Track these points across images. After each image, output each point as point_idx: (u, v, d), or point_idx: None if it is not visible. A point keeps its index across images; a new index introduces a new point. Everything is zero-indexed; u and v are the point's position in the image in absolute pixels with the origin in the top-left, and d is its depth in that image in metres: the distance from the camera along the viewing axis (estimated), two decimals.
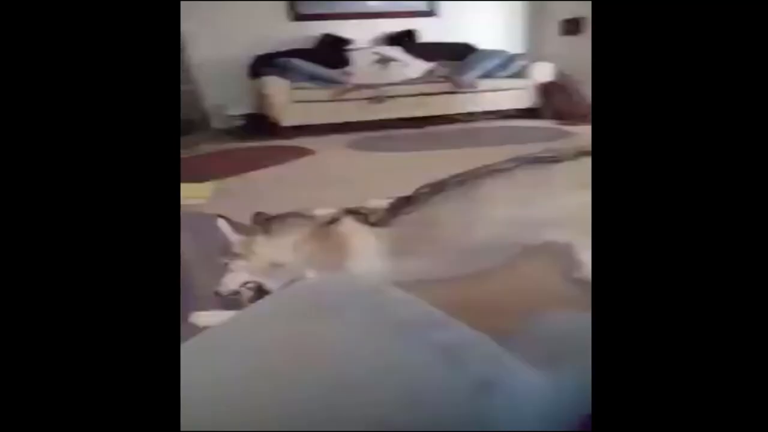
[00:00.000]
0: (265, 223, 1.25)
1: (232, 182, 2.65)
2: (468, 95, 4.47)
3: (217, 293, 1.24)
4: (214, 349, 0.52)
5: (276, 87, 3.98)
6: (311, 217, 1.22)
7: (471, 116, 4.60)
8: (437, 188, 1.10)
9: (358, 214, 1.17)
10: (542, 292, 0.99)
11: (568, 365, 0.53)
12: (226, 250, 1.25)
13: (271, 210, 1.92)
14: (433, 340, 0.52)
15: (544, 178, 1.00)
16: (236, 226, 1.24)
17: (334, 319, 0.51)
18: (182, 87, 3.81)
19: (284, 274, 1.21)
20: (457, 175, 1.10)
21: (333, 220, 1.19)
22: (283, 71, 4.02)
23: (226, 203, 2.17)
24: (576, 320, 0.59)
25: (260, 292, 1.22)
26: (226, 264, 1.24)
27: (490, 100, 4.57)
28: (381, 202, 1.18)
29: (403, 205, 1.13)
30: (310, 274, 1.16)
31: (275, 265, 1.21)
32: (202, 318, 1.19)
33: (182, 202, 2.25)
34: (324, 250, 1.16)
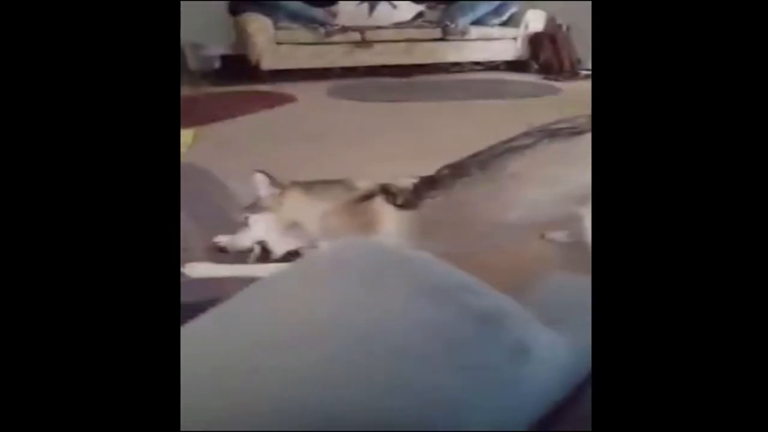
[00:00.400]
0: (307, 184, 1.24)
1: (212, 130, 2.55)
2: (457, 43, 4.34)
3: (221, 249, 1.23)
4: (254, 312, 0.51)
5: (257, 25, 3.76)
6: (352, 189, 1.21)
7: (457, 66, 4.49)
8: (459, 171, 1.09)
9: (388, 194, 1.16)
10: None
11: (576, 326, 0.54)
12: (252, 205, 1.23)
13: (252, 164, 1.89)
14: (472, 307, 0.52)
15: (566, 153, 0.98)
16: (274, 182, 1.22)
17: (376, 284, 0.50)
18: None
19: (299, 238, 1.21)
20: (477, 154, 1.09)
21: (367, 197, 1.17)
22: (266, 8, 3.80)
23: (207, 153, 2.10)
24: (581, 282, 0.60)
25: (265, 252, 1.21)
26: (245, 218, 1.22)
27: (479, 49, 4.45)
28: (407, 182, 1.17)
29: (427, 187, 1.12)
30: (323, 245, 1.15)
31: (295, 226, 1.20)
32: (196, 269, 1.17)
33: None
34: (351, 225, 1.15)
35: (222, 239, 1.26)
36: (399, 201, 1.14)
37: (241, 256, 1.21)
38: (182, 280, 1.13)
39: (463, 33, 4.27)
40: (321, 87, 3.71)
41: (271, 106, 3.13)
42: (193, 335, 0.50)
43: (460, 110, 3.08)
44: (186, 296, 1.02)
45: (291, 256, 1.22)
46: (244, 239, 1.22)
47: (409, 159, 2.06)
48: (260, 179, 1.22)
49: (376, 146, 2.27)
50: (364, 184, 1.23)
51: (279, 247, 1.21)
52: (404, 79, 4.16)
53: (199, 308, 0.98)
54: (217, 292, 1.07)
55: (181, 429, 0.38)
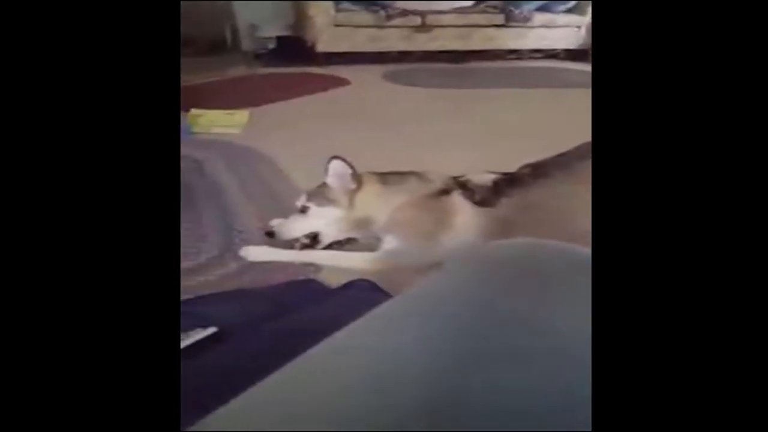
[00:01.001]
0: (383, 175, 1.19)
1: (264, 112, 2.56)
2: (518, 30, 4.16)
3: (271, 234, 1.19)
4: (419, 315, 0.47)
5: (317, 6, 3.71)
6: (430, 182, 1.17)
7: (515, 53, 4.32)
8: (540, 171, 1.06)
9: (466, 189, 1.12)
10: None
11: None
12: (319, 194, 1.17)
13: (300, 147, 1.89)
14: None
15: None
16: (354, 174, 1.15)
17: (560, 291, 0.45)
18: (212, 2, 3.60)
19: (361, 233, 1.18)
20: (560, 155, 1.06)
21: (444, 191, 1.13)
22: None
23: (260, 135, 2.11)
24: None
25: (314, 240, 1.18)
26: (304, 208, 1.17)
27: (540, 37, 4.25)
28: (486, 178, 1.13)
29: (506, 185, 1.09)
30: (389, 241, 1.11)
31: (365, 222, 1.16)
32: (252, 252, 1.17)
33: (216, 130, 2.20)
34: (425, 221, 1.11)
35: (274, 223, 1.24)
36: (477, 198, 1.10)
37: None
38: (237, 264, 1.14)
39: (527, 19, 4.08)
40: (376, 71, 3.66)
41: (325, 89, 3.11)
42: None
43: (516, 98, 2.96)
44: (241, 281, 1.06)
45: (340, 244, 1.20)
46: (297, 229, 1.18)
47: (464, 145, 2.04)
48: (338, 167, 1.14)
49: (430, 132, 2.21)
50: (439, 178, 1.18)
51: (329, 237, 1.18)
52: (460, 65, 4.05)
53: (255, 294, 0.99)
54: (270, 279, 1.07)
55: None
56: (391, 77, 3.51)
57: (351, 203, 1.14)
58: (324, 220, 1.16)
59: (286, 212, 1.32)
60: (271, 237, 1.18)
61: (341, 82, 3.31)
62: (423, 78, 3.51)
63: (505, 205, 1.06)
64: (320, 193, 1.17)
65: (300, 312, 0.83)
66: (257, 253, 1.16)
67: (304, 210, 1.17)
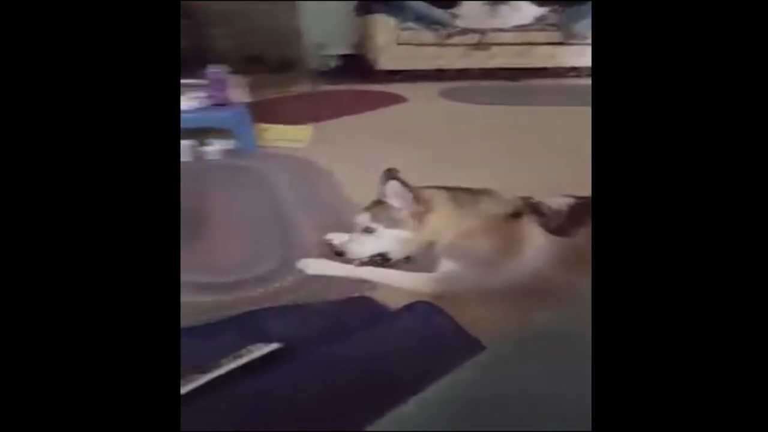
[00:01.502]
0: (454, 192, 1.12)
1: (324, 127, 2.64)
2: (577, 47, 4.06)
3: (340, 253, 1.16)
4: None
5: (382, 25, 3.81)
6: (500, 203, 1.10)
7: (575, 71, 4.20)
8: None
9: (540, 214, 1.05)
10: None
11: None
12: (382, 216, 1.11)
13: (357, 162, 1.93)
14: None
15: None
16: (416, 194, 1.08)
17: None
18: (284, 22, 3.78)
19: (422, 254, 1.11)
20: None
21: (516, 215, 1.06)
22: (392, 9, 3.83)
23: (320, 150, 2.17)
24: None
25: (384, 260, 1.15)
26: (370, 229, 1.12)
27: None
28: (562, 202, 1.06)
29: (583, 212, 1.01)
30: (450, 265, 1.06)
31: (431, 244, 1.09)
32: (311, 265, 1.18)
33: (280, 144, 2.29)
34: (492, 246, 1.04)
35: (337, 240, 1.23)
36: (551, 225, 1.02)
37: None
38: (295, 277, 1.16)
39: (585, 37, 3.99)
40: (433, 88, 3.69)
41: (383, 105, 3.17)
42: None
43: (576, 116, 2.87)
44: (298, 295, 1.08)
45: (403, 262, 1.18)
46: (367, 249, 1.14)
47: (524, 164, 1.99)
48: (396, 188, 1.06)
49: (488, 149, 2.18)
50: (511, 199, 1.10)
51: (396, 256, 1.15)
52: (519, 83, 4.00)
53: (313, 310, 1.01)
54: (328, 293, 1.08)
55: None
56: (448, 95, 3.51)
57: (420, 225, 1.09)
58: (391, 241, 1.12)
59: (343, 227, 1.34)
60: (340, 256, 1.16)
61: (399, 99, 3.35)
62: (480, 95, 3.49)
63: (584, 235, 0.97)
64: (385, 214, 1.11)
65: (359, 333, 0.84)
66: (316, 266, 1.18)
67: (369, 231, 1.13)
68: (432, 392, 0.45)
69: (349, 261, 1.17)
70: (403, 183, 1.07)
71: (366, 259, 1.15)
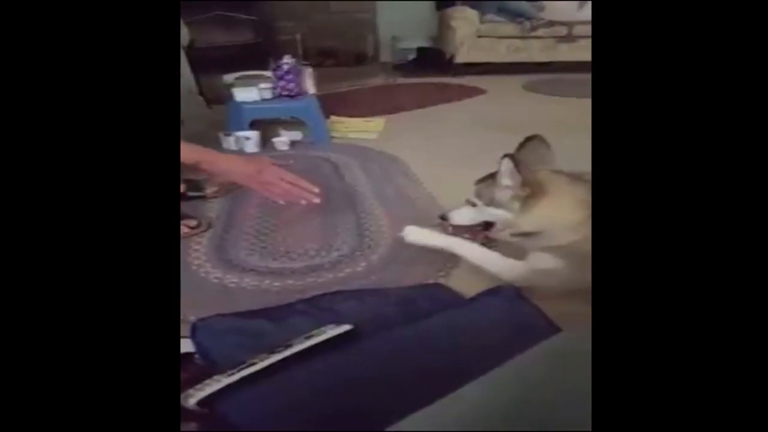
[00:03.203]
0: (574, 178, 0.98)
1: (398, 119, 2.60)
2: None
3: (444, 217, 1.14)
4: None
5: (463, 17, 3.71)
6: None
7: None
8: None
9: None
10: None
11: None
12: (485, 193, 1.05)
13: (432, 153, 1.87)
14: None
15: None
16: (524, 173, 0.97)
17: None
18: (358, 15, 3.80)
19: (527, 242, 1.00)
20: None
21: None
22: (474, 1, 3.74)
23: (394, 141, 2.14)
24: None
25: (488, 228, 1.09)
26: (472, 203, 1.08)
27: None
28: None
29: None
30: (551, 261, 0.94)
31: (537, 235, 0.97)
32: (411, 232, 1.16)
33: (353, 136, 2.28)
34: None
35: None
36: None
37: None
38: (366, 263, 1.13)
39: None
40: (514, 81, 3.53)
41: (460, 98, 3.08)
42: None
43: None
44: (368, 281, 1.05)
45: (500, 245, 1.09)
46: (464, 218, 1.10)
47: None
48: (507, 167, 0.95)
49: (570, 141, 2.03)
50: None
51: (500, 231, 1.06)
52: None
53: (385, 294, 0.98)
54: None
55: None
56: (531, 87, 3.35)
57: (525, 209, 0.97)
58: (491, 218, 1.05)
59: (417, 217, 1.32)
60: (444, 220, 1.15)
61: (477, 91, 3.25)
62: (562, 88, 3.29)
63: None
64: (488, 191, 1.03)
65: (433, 318, 0.79)
66: (416, 234, 1.15)
67: (473, 204, 1.08)
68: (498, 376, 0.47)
69: (451, 233, 1.14)
70: (516, 162, 0.95)
71: (467, 226, 1.11)
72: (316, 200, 1.18)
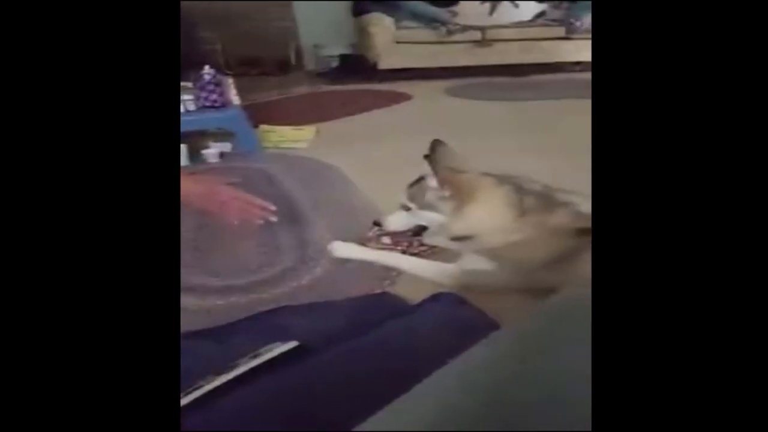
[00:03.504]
0: (524, 196, 0.96)
1: (329, 127, 2.60)
2: (581, 41, 4.04)
3: (378, 223, 1.17)
4: None
5: (378, 25, 3.79)
6: (576, 215, 0.91)
7: (580, 65, 4.18)
8: None
9: None
10: None
11: None
12: (417, 195, 1.06)
13: (367, 160, 1.89)
14: None
15: None
16: (441, 174, 0.98)
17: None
18: (279, 23, 3.75)
19: (458, 245, 1.03)
20: None
21: (586, 232, 0.87)
22: (388, 8, 3.82)
23: (327, 149, 2.14)
24: None
25: (419, 232, 1.13)
26: (405, 207, 1.08)
27: None
28: None
29: None
30: (485, 263, 0.97)
31: (468, 239, 0.98)
32: (339, 248, 1.17)
33: (285, 145, 2.25)
34: (548, 258, 0.90)
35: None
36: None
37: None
38: (311, 276, 1.13)
39: (588, 31, 3.98)
40: (437, 86, 3.65)
41: (388, 104, 3.13)
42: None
43: (583, 109, 2.83)
44: (315, 294, 1.05)
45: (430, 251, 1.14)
46: (400, 222, 1.12)
47: (535, 157, 1.95)
48: (430, 179, 0.99)
49: (500, 144, 2.14)
50: (580, 202, 0.92)
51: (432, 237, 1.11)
52: (524, 78, 3.97)
53: (332, 307, 0.98)
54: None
55: None
56: (454, 92, 3.48)
57: (456, 213, 0.98)
58: (425, 222, 1.08)
59: (357, 223, 1.33)
60: (378, 226, 1.17)
61: (404, 97, 3.32)
62: (485, 91, 3.46)
63: None
64: (420, 194, 1.05)
65: (381, 327, 0.81)
66: (344, 249, 1.16)
67: (406, 208, 1.10)
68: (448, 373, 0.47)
69: (379, 246, 1.16)
70: (434, 162, 0.98)
71: (402, 231, 1.13)
72: (273, 219, 1.17)
